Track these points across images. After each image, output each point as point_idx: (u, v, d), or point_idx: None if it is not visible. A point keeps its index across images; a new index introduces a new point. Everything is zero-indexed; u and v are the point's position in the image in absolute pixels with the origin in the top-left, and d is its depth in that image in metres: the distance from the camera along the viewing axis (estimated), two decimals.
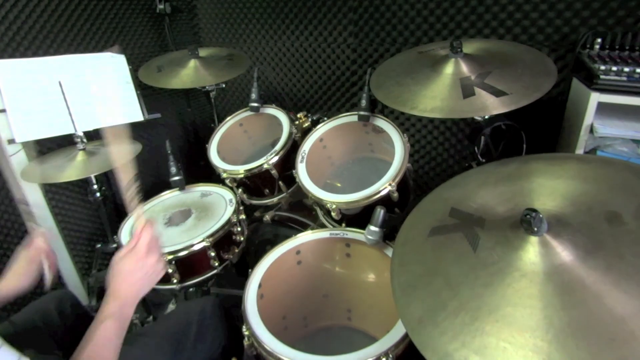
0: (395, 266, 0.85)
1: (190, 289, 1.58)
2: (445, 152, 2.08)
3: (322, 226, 1.46)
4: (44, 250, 1.11)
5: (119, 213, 2.10)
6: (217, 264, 1.45)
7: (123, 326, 0.86)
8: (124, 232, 1.48)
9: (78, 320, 1.25)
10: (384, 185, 1.25)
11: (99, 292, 1.89)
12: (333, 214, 1.32)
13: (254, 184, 1.64)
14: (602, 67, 1.26)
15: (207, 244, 1.38)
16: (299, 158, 1.46)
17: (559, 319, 0.60)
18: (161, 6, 2.28)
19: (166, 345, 1.13)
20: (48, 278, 1.10)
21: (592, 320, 0.59)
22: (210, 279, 1.49)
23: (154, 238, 0.93)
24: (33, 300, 1.23)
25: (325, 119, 1.59)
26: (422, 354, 0.65)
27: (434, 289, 0.74)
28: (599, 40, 1.41)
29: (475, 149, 1.39)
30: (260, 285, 1.15)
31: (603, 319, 0.58)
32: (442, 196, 0.97)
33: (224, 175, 1.60)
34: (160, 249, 0.94)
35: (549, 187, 0.83)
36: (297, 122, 1.72)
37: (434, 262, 0.80)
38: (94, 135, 1.86)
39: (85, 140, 1.70)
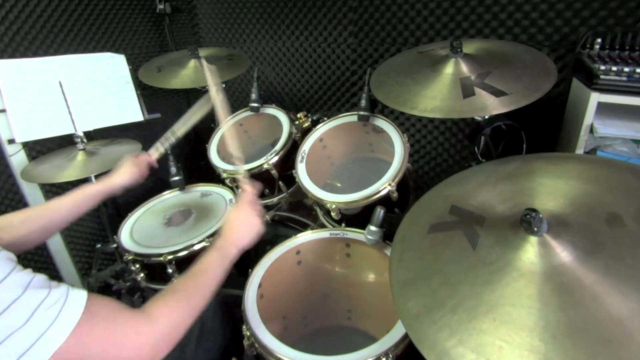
0: (394, 262, 0.85)
1: None
2: (445, 152, 2.08)
3: (322, 226, 1.46)
4: (147, 160, 1.42)
5: (119, 213, 2.10)
6: None
7: (225, 261, 0.96)
8: (124, 232, 1.49)
9: None
10: (384, 185, 1.25)
11: (99, 292, 1.89)
12: (333, 214, 1.32)
13: None
14: (602, 67, 1.26)
15: (207, 244, 1.38)
16: (299, 158, 1.46)
17: (556, 319, 0.60)
18: (161, 6, 2.28)
19: None
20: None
21: (590, 321, 0.59)
22: None
23: (254, 197, 1.11)
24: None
25: (325, 119, 1.59)
26: (421, 354, 0.65)
27: (432, 286, 0.74)
28: (599, 40, 1.41)
29: (475, 149, 1.39)
30: (260, 285, 1.15)
31: (600, 320, 0.58)
32: (443, 193, 0.97)
33: (224, 175, 1.59)
34: (260, 209, 1.11)
35: (549, 186, 0.83)
36: (297, 122, 1.72)
37: (433, 259, 0.80)
38: (94, 135, 1.86)
39: (85, 140, 1.70)
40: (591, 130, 1.30)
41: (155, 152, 1.46)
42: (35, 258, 1.91)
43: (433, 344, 0.64)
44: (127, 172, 1.33)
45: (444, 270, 0.76)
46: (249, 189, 1.12)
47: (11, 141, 1.66)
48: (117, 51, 1.98)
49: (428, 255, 0.81)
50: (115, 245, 1.86)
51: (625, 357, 0.54)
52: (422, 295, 0.73)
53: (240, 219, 1.05)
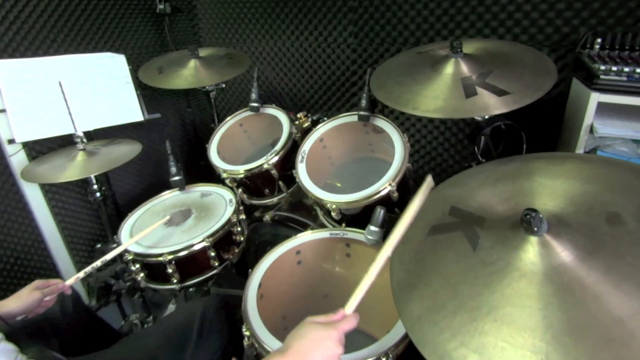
0: (395, 265, 0.85)
1: (190, 289, 1.58)
2: (445, 152, 2.08)
3: (322, 226, 1.46)
4: (53, 289, 1.15)
5: (119, 213, 2.10)
6: (217, 264, 1.45)
7: None
8: (124, 232, 1.49)
9: (80, 317, 1.26)
10: (384, 185, 1.25)
11: (98, 292, 1.89)
12: (333, 214, 1.32)
13: (254, 184, 1.64)
14: (602, 67, 1.26)
15: (207, 244, 1.38)
16: (299, 158, 1.46)
17: (557, 319, 0.60)
18: (161, 6, 2.28)
19: (167, 346, 1.13)
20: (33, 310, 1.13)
21: (591, 320, 0.59)
22: (210, 279, 1.49)
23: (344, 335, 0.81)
24: None
25: (325, 119, 1.59)
26: (421, 354, 0.65)
27: (433, 288, 0.74)
28: (599, 40, 1.41)
29: (475, 149, 1.39)
30: (260, 285, 1.15)
31: (602, 320, 0.58)
32: (442, 195, 0.97)
33: (224, 175, 1.60)
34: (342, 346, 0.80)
35: (549, 186, 0.83)
36: (297, 122, 1.72)
37: (434, 261, 0.80)
38: (94, 135, 1.86)
39: (85, 140, 1.70)
40: (591, 130, 1.30)
41: (74, 280, 1.24)
42: (34, 258, 1.91)
43: (435, 346, 0.64)
44: (26, 297, 1.10)
45: (444, 272, 0.75)
46: (353, 322, 0.82)
47: (11, 141, 1.66)
48: (117, 51, 1.98)
49: (428, 257, 0.81)
50: (115, 245, 1.86)
51: (627, 356, 0.54)
52: (423, 297, 0.73)
53: (317, 346, 0.76)
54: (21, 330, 1.09)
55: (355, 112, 1.47)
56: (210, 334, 1.19)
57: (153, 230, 1.48)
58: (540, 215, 0.69)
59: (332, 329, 0.78)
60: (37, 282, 1.14)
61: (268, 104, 1.78)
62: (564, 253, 0.67)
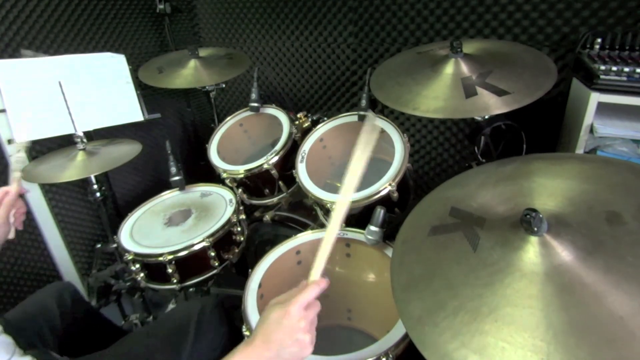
0: (395, 265, 0.85)
1: (190, 289, 1.58)
2: (445, 152, 2.08)
3: (322, 226, 1.46)
4: (11, 195, 1.08)
5: (119, 213, 2.11)
6: (217, 264, 1.45)
7: None
8: (124, 232, 1.49)
9: (78, 313, 1.26)
10: (384, 185, 1.25)
11: (98, 291, 1.89)
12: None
13: (254, 184, 1.64)
14: (602, 67, 1.26)
15: (207, 244, 1.38)
16: (299, 158, 1.46)
17: (558, 319, 0.60)
18: (161, 6, 2.28)
19: (164, 345, 1.12)
20: (12, 226, 1.08)
21: (592, 320, 0.59)
22: (210, 279, 1.49)
23: (314, 304, 0.79)
24: (30, 294, 1.23)
25: (325, 119, 1.59)
26: (421, 354, 0.65)
27: (433, 289, 0.74)
28: (599, 40, 1.41)
29: (475, 149, 1.39)
30: (260, 285, 1.15)
31: (602, 319, 0.58)
32: (443, 195, 0.97)
33: (224, 175, 1.60)
34: (314, 320, 0.77)
35: (549, 186, 0.83)
36: (297, 122, 1.72)
37: (434, 261, 0.80)
38: (94, 135, 1.86)
39: (85, 140, 1.70)
40: (591, 130, 1.30)
41: (15, 180, 1.13)
42: (35, 258, 1.91)
43: (435, 346, 0.64)
44: None
45: (445, 273, 0.75)
46: (313, 290, 0.78)
47: (11, 141, 1.66)
48: (117, 51, 1.97)
49: (429, 258, 0.81)
50: (115, 245, 1.86)
51: (627, 355, 0.54)
52: (424, 298, 0.73)
53: (284, 328, 0.72)
54: (17, 329, 1.09)
55: (355, 112, 1.47)
56: (208, 332, 1.18)
57: (153, 231, 1.49)
58: (540, 215, 0.69)
59: (289, 305, 0.74)
60: None
61: (268, 104, 1.78)
62: (564, 253, 0.67)
